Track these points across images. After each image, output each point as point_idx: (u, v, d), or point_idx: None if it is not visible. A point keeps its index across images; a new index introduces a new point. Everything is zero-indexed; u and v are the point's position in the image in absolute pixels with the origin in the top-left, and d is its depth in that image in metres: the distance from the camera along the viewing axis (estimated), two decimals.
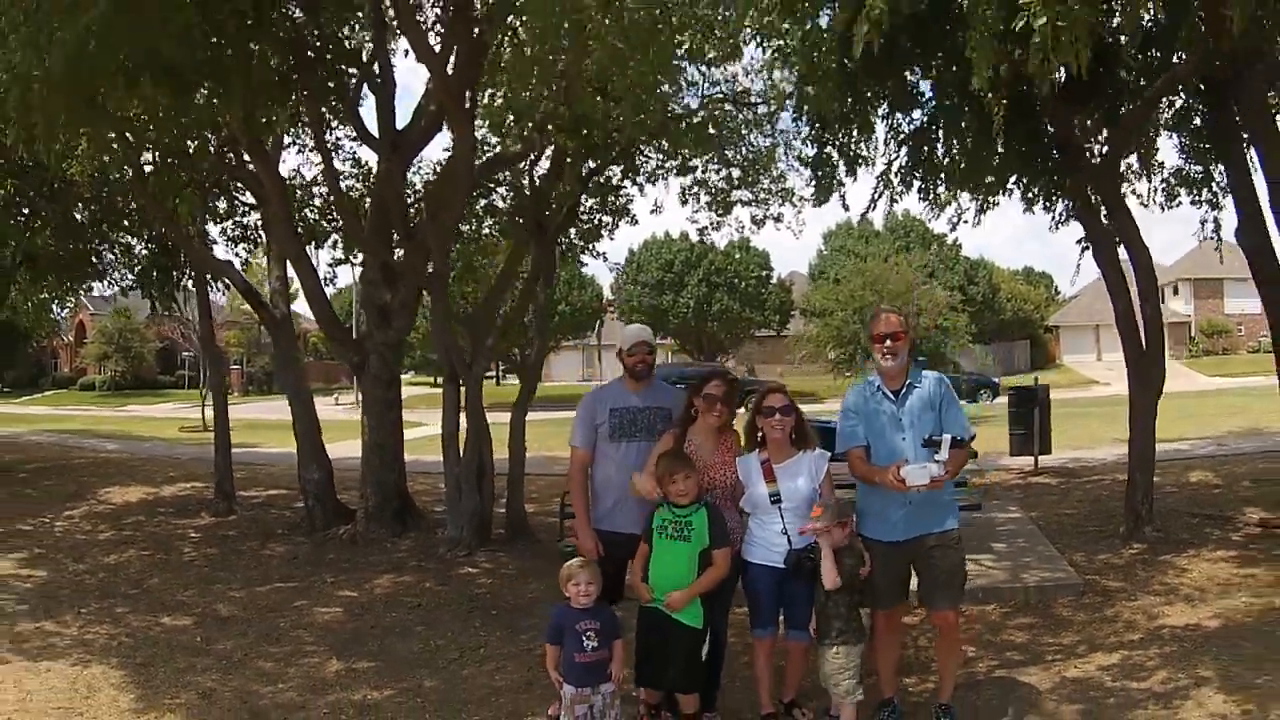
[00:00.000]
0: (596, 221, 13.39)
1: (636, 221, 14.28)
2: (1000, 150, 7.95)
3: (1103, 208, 9.61)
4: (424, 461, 15.30)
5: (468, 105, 9.94)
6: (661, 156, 12.39)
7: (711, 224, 13.88)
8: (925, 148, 9.15)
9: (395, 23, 9.95)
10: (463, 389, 10.47)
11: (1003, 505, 11.73)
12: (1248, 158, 9.29)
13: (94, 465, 21.33)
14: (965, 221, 10.21)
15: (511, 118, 10.69)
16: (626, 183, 12.83)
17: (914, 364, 5.41)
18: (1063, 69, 6.01)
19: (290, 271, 12.37)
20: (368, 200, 12.48)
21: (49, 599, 9.59)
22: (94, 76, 6.89)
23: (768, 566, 5.37)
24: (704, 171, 13.09)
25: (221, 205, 14.60)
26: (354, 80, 11.26)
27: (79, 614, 8.95)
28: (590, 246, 13.89)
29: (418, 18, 9.77)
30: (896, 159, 9.38)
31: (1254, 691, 5.49)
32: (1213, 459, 14.98)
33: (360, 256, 12.53)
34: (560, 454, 9.77)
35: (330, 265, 16.15)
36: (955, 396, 5.38)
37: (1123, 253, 9.79)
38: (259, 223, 14.18)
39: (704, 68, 11.06)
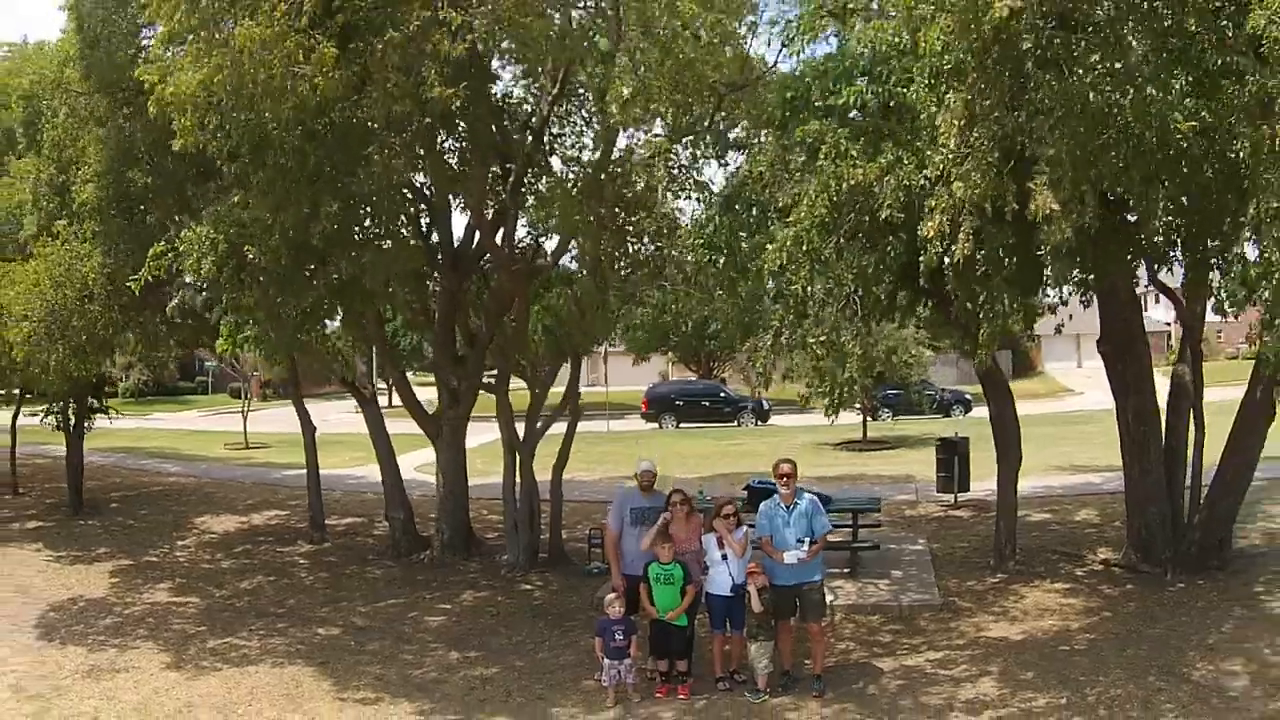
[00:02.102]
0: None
1: None
2: None
3: None
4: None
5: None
6: None
7: None
8: None
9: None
10: (518, 457, 15.10)
11: (914, 538, 16.09)
12: None
13: (174, 493, 25.65)
14: None
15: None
16: None
17: (798, 491, 9.92)
18: None
19: None
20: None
21: (217, 620, 13.94)
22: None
23: (720, 595, 9.93)
24: None
25: None
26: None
27: (251, 630, 13.36)
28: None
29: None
30: None
31: (1019, 682, 9.81)
32: (1111, 494, 17.54)
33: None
34: (579, 476, 15.74)
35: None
36: (821, 508, 10.00)
37: None
38: None
39: None
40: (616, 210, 11.70)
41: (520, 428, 15.51)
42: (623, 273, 13.45)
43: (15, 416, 25.62)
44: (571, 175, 12.03)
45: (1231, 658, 9.98)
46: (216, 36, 7.43)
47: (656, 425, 41.36)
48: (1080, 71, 6.97)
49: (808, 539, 9.80)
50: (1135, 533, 13.20)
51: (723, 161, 13.44)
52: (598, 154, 12.02)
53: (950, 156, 7.29)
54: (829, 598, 11.38)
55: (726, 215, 10.53)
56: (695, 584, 10.08)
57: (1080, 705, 9.19)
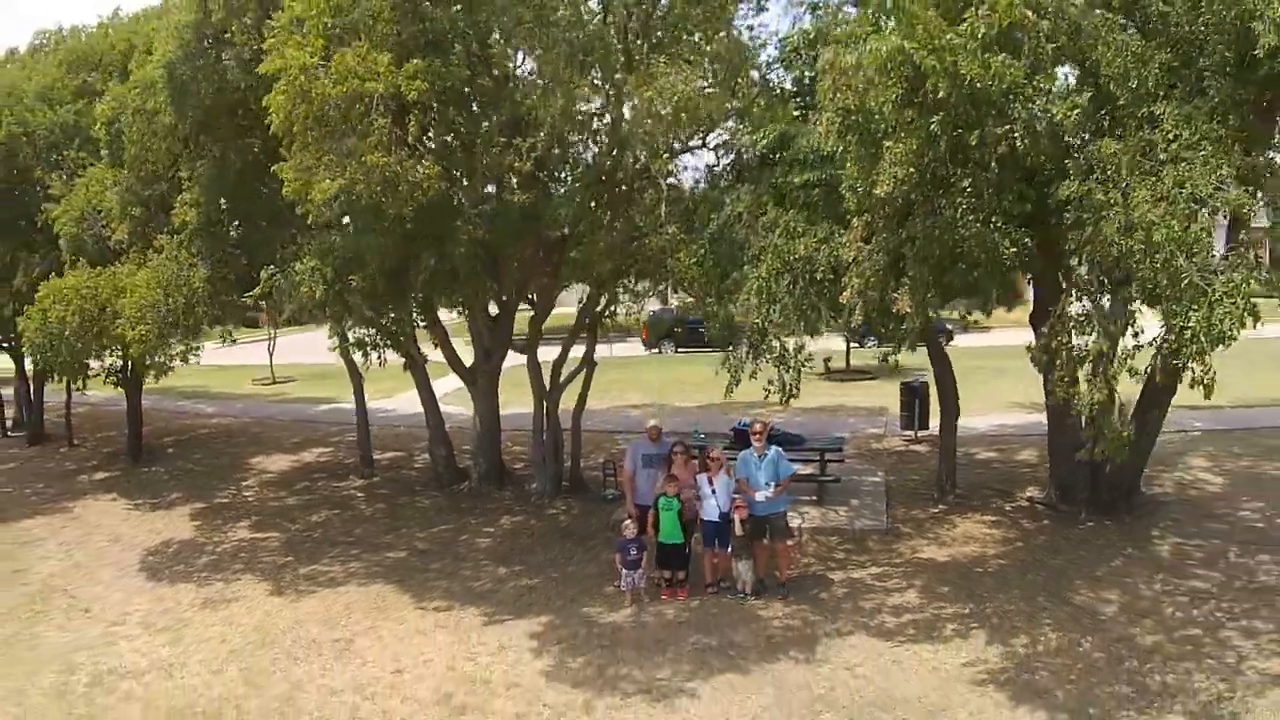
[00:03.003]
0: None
1: None
2: None
3: None
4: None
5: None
6: None
7: None
8: None
9: None
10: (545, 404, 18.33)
11: (875, 470, 19.38)
12: None
13: (222, 435, 28.77)
14: None
15: None
16: None
17: (768, 443, 13.09)
18: None
19: None
20: None
21: (299, 551, 17.19)
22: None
23: (710, 521, 13.21)
24: None
25: None
26: None
27: (331, 558, 16.63)
28: None
29: None
30: None
31: (936, 595, 13.15)
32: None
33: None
34: (590, 406, 19.47)
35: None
36: (784, 457, 13.28)
37: None
38: None
39: None
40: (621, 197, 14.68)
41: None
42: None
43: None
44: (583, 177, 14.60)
45: (1111, 588, 13.16)
46: (346, 153, 10.32)
47: (656, 350, 44.22)
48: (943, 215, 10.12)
49: (774, 482, 13.17)
50: (1057, 476, 16.24)
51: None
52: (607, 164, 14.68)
53: (852, 257, 10.64)
54: (797, 522, 14.84)
55: (715, 246, 13.43)
56: (690, 510, 13.44)
57: (978, 615, 12.55)
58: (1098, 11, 9.63)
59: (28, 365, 28.42)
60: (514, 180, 12.06)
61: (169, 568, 16.97)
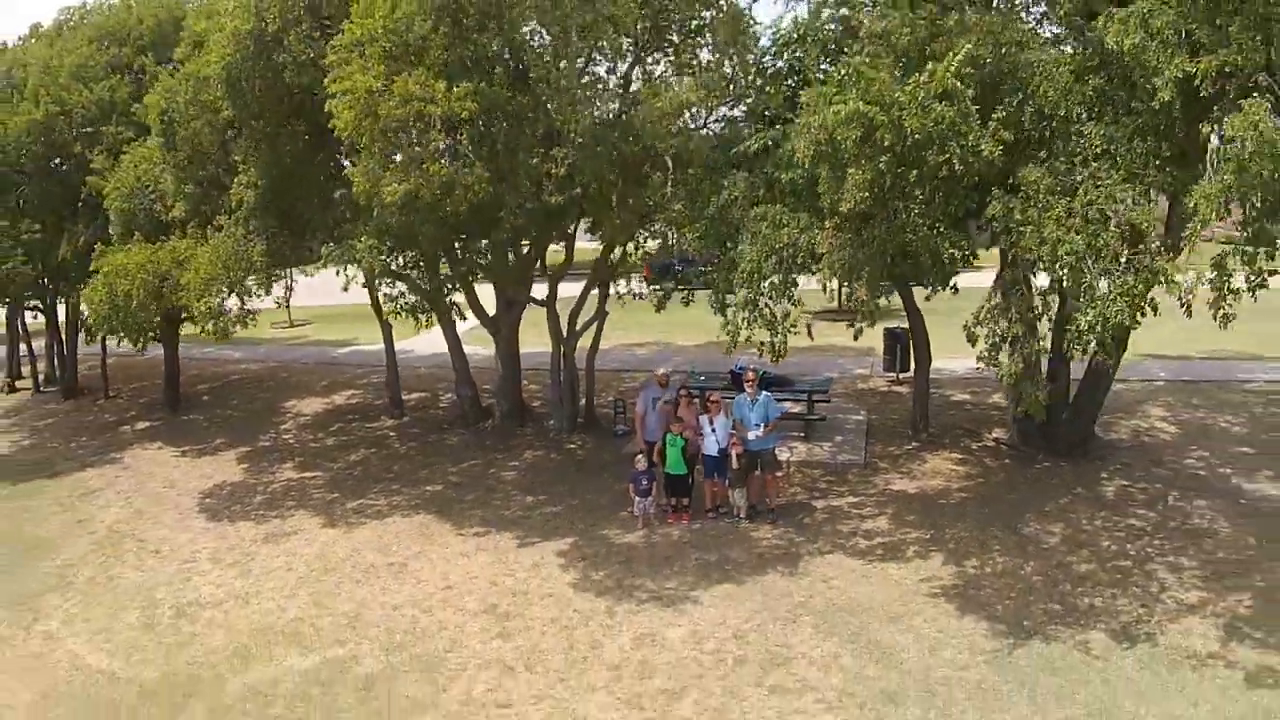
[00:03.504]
0: None
1: None
2: None
3: None
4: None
5: None
6: None
7: None
8: None
9: None
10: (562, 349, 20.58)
11: (858, 409, 21.57)
12: None
13: (253, 381, 30.49)
14: None
15: None
16: None
17: (759, 388, 15.32)
18: None
19: None
20: None
21: (344, 487, 19.44)
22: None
23: (710, 455, 15.55)
24: None
25: None
26: None
27: (374, 493, 18.90)
28: None
29: None
30: None
31: (903, 522, 15.51)
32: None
33: None
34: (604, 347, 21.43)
35: None
36: (773, 401, 15.58)
37: None
38: None
39: None
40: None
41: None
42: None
43: (89, 331, 28.83)
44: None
45: (1056, 522, 15.41)
46: (410, 162, 12.50)
47: (657, 289, 46.19)
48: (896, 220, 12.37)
49: (764, 422, 15.46)
50: (1018, 420, 18.19)
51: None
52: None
53: (825, 251, 12.95)
54: (785, 456, 17.19)
55: (714, 225, 15.51)
56: (693, 446, 15.80)
57: (937, 540, 14.92)
58: (1041, 50, 11.91)
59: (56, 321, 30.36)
60: (550, 184, 14.16)
61: (226, 508, 19.19)
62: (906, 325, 20.80)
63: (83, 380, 31.67)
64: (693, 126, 16.57)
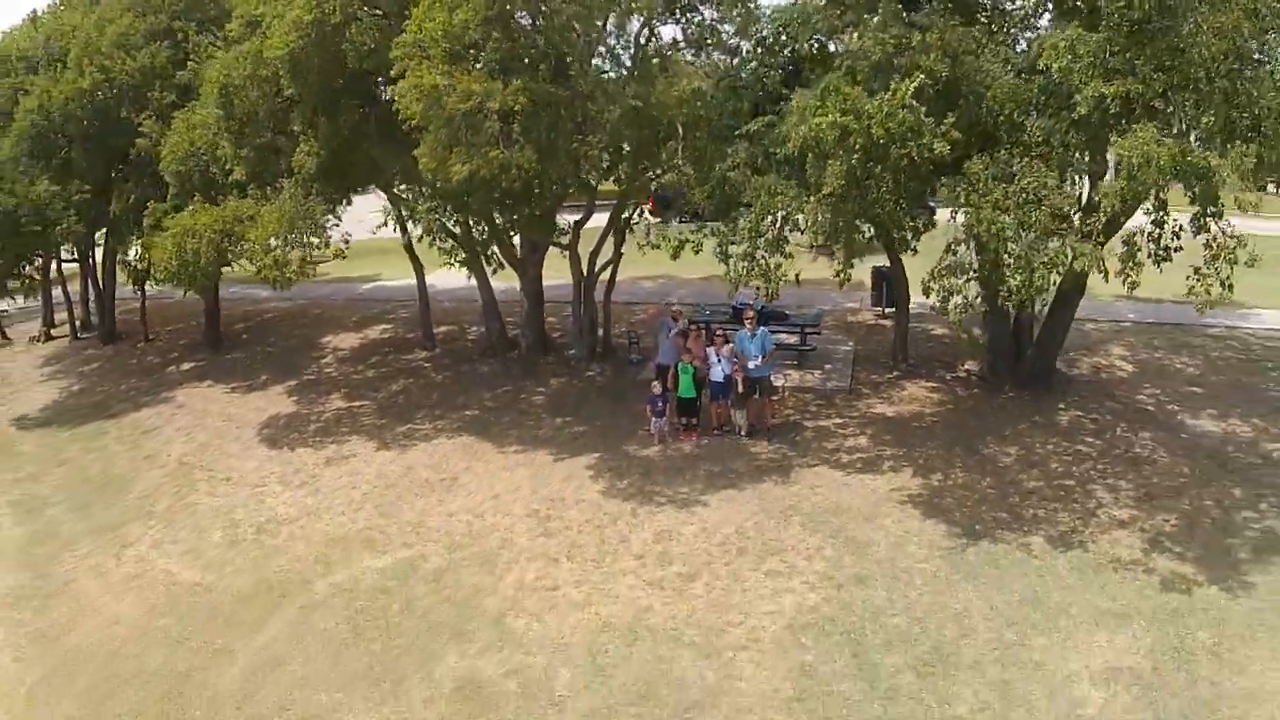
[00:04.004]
0: None
1: None
2: None
3: None
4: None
5: None
6: None
7: None
8: None
9: None
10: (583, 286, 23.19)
11: (846, 340, 24.14)
12: None
13: (286, 319, 32.40)
14: None
15: None
16: None
17: (759, 323, 17.98)
18: None
19: None
20: None
21: (391, 414, 22.06)
22: None
23: (716, 381, 18.31)
24: None
25: None
26: None
27: (419, 418, 21.54)
28: None
29: None
30: None
31: (881, 441, 18.31)
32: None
33: None
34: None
35: None
36: (769, 335, 18.29)
37: None
38: None
39: None
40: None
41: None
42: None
43: (139, 280, 30.58)
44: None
45: (1012, 445, 18.05)
46: (471, 146, 15.08)
47: (660, 220, 48.48)
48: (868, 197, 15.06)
49: (761, 354, 18.15)
50: (990, 352, 20.83)
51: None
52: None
53: (811, 220, 15.53)
54: (780, 382, 19.87)
55: (720, 187, 17.93)
56: (701, 373, 18.52)
57: (908, 457, 17.68)
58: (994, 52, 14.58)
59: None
60: (586, 164, 16.81)
61: (285, 437, 21.72)
62: None
63: (120, 325, 33.17)
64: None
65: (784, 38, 18.48)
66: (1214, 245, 13.80)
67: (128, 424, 24.45)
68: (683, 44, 19.57)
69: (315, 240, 19.56)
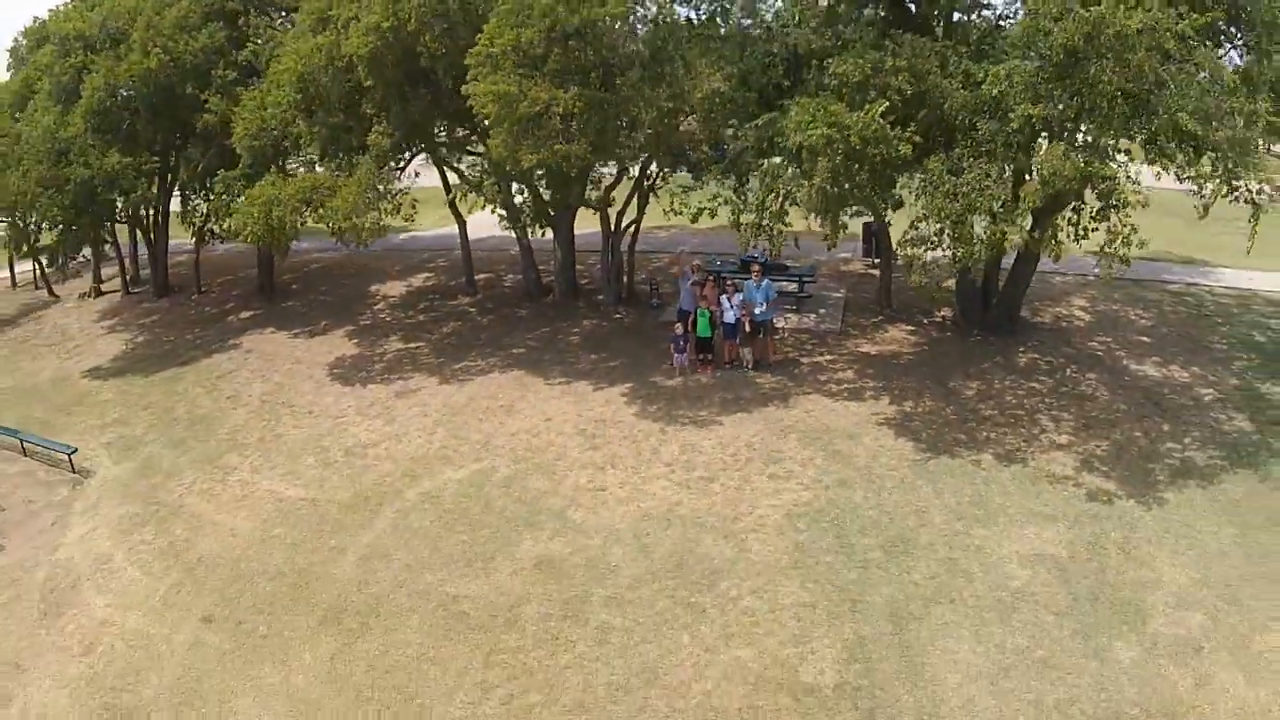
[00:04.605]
0: None
1: None
2: None
3: None
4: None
5: None
6: None
7: None
8: None
9: None
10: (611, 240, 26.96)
11: (838, 288, 27.82)
12: None
13: (333, 270, 35.18)
14: None
15: None
16: None
17: (764, 274, 21.92)
18: None
19: None
20: None
21: (446, 353, 25.83)
22: None
23: (728, 323, 22.32)
24: None
25: None
26: None
27: (472, 356, 25.34)
28: None
29: None
30: None
31: (864, 374, 22.26)
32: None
33: None
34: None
35: None
36: (772, 286, 22.29)
37: None
38: None
39: None
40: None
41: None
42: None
43: (200, 238, 33.87)
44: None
45: (975, 380, 21.79)
46: (539, 139, 18.93)
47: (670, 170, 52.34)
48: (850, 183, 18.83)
49: (766, 301, 22.06)
50: (960, 302, 24.52)
51: None
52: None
53: (805, 198, 19.10)
54: (781, 324, 23.83)
55: (733, 164, 21.85)
56: (715, 316, 22.41)
57: (886, 388, 21.53)
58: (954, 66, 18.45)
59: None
60: (627, 154, 20.79)
61: (354, 375, 25.31)
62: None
63: (170, 279, 35.78)
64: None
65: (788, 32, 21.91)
66: (1113, 233, 17.37)
67: (203, 369, 27.59)
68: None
69: (388, 206, 23.20)
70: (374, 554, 17.63)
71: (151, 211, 33.88)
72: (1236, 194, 17.59)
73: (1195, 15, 16.23)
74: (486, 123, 20.03)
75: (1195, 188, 17.34)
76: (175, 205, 34.84)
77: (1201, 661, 13.98)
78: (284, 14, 31.03)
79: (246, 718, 14.53)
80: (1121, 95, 16.01)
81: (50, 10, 35.75)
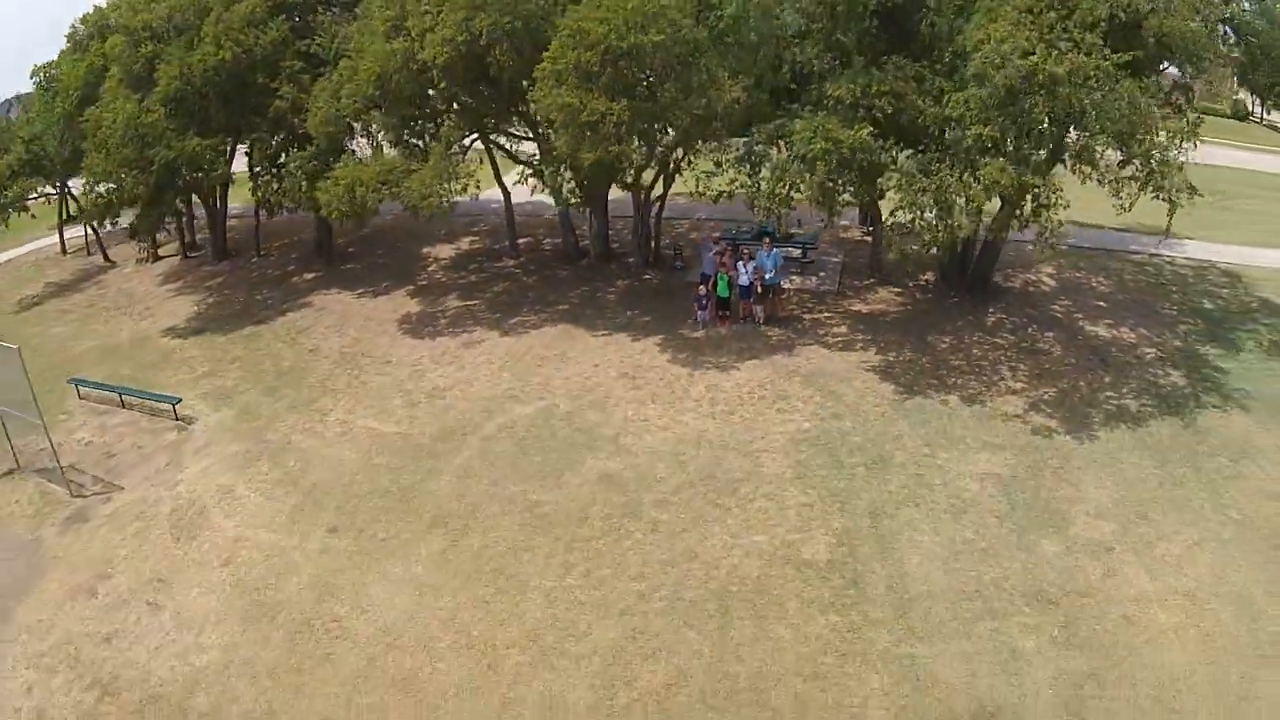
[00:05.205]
0: None
1: None
2: None
3: None
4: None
5: None
6: None
7: None
8: None
9: None
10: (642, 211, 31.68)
11: (836, 253, 32.37)
12: None
13: (384, 234, 38.91)
14: None
15: None
16: None
17: (773, 244, 26.80)
18: None
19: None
20: None
21: (500, 309, 30.55)
22: None
23: (743, 285, 27.17)
24: None
25: None
26: None
27: (524, 312, 30.08)
28: None
29: None
30: None
31: (856, 329, 27.17)
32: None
33: None
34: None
35: None
36: (780, 255, 27.21)
37: None
38: None
39: None
40: None
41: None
42: None
43: (270, 209, 35.97)
44: None
45: (948, 336, 26.39)
46: (597, 139, 23.52)
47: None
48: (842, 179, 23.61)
49: (775, 266, 26.82)
50: (941, 268, 29.07)
51: None
52: None
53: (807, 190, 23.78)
54: (787, 285, 28.66)
55: (748, 155, 26.19)
56: (733, 280, 27.15)
57: (873, 341, 26.24)
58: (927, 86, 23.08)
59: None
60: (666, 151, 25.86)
61: (422, 329, 29.73)
62: None
63: (238, 244, 39.27)
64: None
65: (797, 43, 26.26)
66: (1045, 231, 21.91)
67: (279, 326, 31.35)
68: None
69: (459, 187, 27.88)
70: (465, 473, 22.37)
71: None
72: (1158, 194, 21.47)
73: (1120, 53, 20.62)
74: (553, 130, 24.64)
75: (1114, 192, 21.77)
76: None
77: (1110, 559, 18.23)
78: (337, 9, 35.09)
79: (381, 601, 19.01)
80: (1050, 121, 20.63)
81: (110, 1, 39.29)
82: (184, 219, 40.34)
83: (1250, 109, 65.57)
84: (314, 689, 17.43)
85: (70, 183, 42.45)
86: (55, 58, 42.04)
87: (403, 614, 18.63)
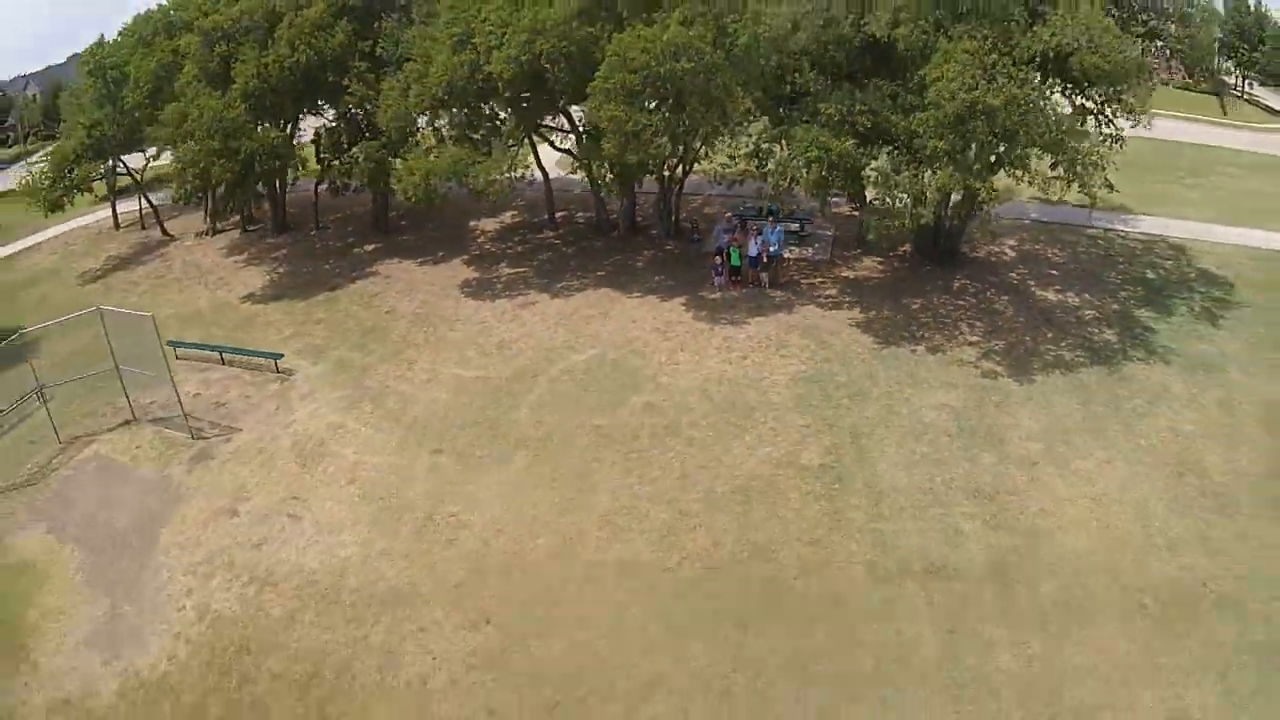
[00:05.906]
0: None
1: None
2: None
3: None
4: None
5: None
6: None
7: None
8: None
9: None
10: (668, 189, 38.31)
11: (830, 227, 38.63)
12: None
13: (431, 208, 41.44)
14: None
15: None
16: None
17: (779, 220, 33.76)
18: None
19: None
20: None
21: (547, 275, 36.97)
22: None
23: (751, 255, 33.84)
24: None
25: None
26: None
27: (568, 278, 36.50)
28: None
29: None
30: None
31: (844, 292, 33.86)
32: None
33: None
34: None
35: None
36: (781, 229, 33.94)
37: None
38: None
39: None
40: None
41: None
42: None
43: (336, 189, 41.44)
44: None
45: (918, 298, 32.59)
46: (640, 141, 29.99)
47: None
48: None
49: (778, 240, 33.52)
50: (917, 241, 35.13)
51: None
52: None
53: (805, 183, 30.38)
54: (788, 255, 35.24)
55: (756, 150, 32.45)
56: (744, 251, 33.84)
57: (859, 302, 32.66)
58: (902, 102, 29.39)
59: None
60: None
61: (483, 293, 35.70)
62: None
63: (292, 216, 43.95)
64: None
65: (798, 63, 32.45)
66: (983, 221, 28.69)
67: (353, 292, 36.42)
68: None
69: (516, 174, 34.32)
70: (539, 406, 28.62)
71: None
72: (1084, 190, 27.51)
73: (1053, 80, 27.25)
74: (602, 137, 31.03)
75: (1043, 189, 28.24)
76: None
77: (1035, 470, 23.79)
78: (397, 15, 40.82)
79: (486, 501, 24.96)
80: (990, 138, 27.20)
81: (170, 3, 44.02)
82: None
83: (1230, 86, 68.88)
84: (444, 565, 23.01)
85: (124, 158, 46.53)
86: (101, 46, 45.66)
87: (505, 509, 24.74)
